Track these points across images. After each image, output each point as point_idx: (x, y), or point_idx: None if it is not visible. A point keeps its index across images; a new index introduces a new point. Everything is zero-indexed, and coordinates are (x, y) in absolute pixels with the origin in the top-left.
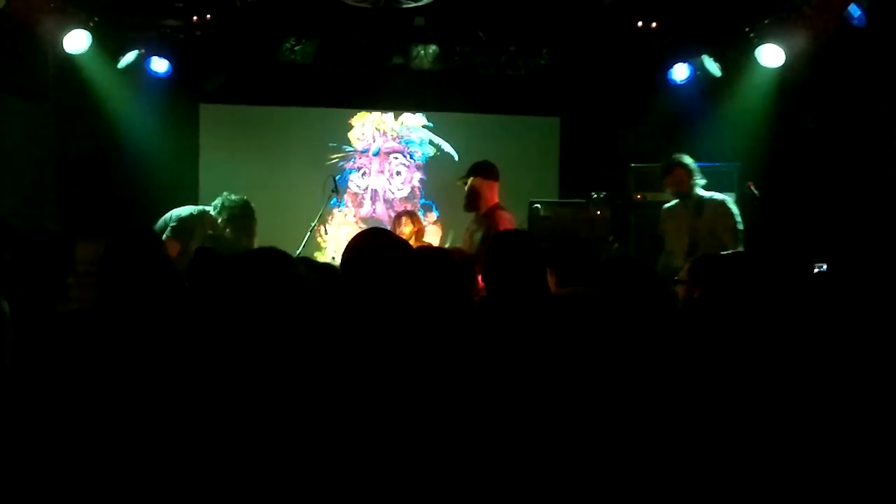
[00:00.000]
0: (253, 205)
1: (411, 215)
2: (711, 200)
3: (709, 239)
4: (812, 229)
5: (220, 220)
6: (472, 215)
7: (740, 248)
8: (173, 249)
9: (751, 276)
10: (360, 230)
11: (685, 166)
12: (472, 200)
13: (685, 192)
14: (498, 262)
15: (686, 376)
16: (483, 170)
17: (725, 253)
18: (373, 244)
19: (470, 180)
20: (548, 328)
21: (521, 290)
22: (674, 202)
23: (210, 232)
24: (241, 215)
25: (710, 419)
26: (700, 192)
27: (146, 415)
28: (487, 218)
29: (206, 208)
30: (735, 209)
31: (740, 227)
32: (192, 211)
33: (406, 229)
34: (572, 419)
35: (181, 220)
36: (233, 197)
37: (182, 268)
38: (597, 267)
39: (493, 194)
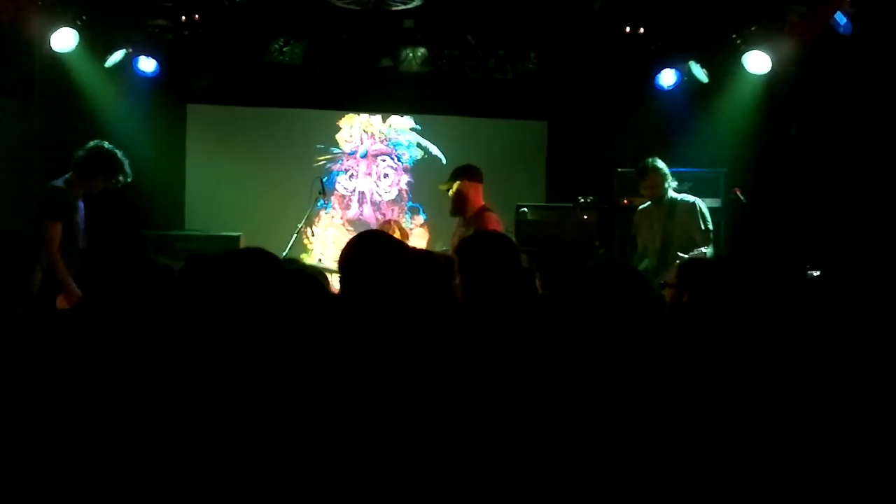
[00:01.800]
0: (107, 144)
1: (399, 227)
2: (683, 202)
3: (681, 239)
4: (797, 234)
5: (88, 178)
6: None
7: (709, 248)
8: (56, 231)
9: (738, 280)
10: (347, 232)
11: (659, 170)
12: (459, 204)
13: (659, 196)
14: (470, 266)
15: (672, 380)
16: (467, 173)
17: (713, 257)
18: (372, 246)
19: (456, 185)
20: (529, 329)
21: (498, 291)
22: (647, 204)
23: (82, 192)
24: (104, 160)
25: (695, 422)
26: (672, 194)
27: (137, 415)
28: (476, 220)
29: (66, 177)
30: (705, 210)
31: (710, 227)
32: (55, 185)
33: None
34: (556, 420)
35: (49, 202)
36: (85, 148)
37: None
38: (583, 271)
39: (478, 196)
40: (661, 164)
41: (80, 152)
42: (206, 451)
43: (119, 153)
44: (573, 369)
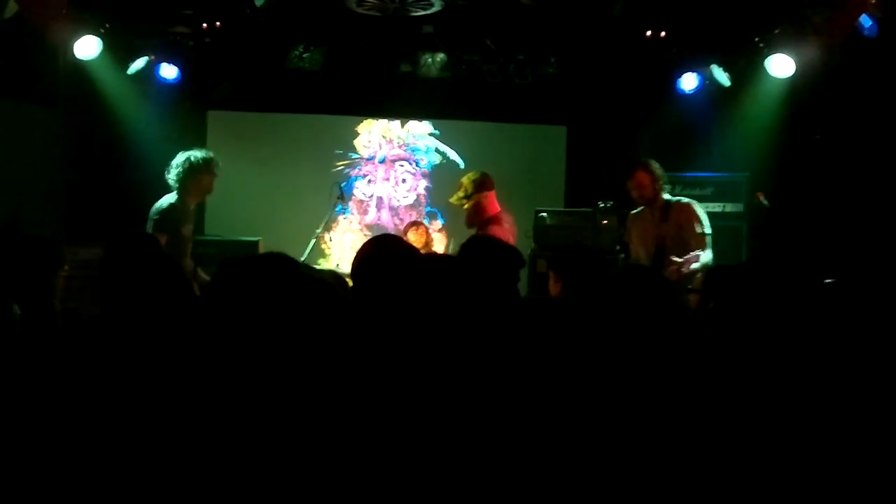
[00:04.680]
0: (210, 157)
1: (420, 227)
2: (677, 203)
3: (675, 244)
4: (822, 240)
5: (191, 185)
6: None
7: (706, 252)
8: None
9: (764, 287)
10: (365, 237)
11: (647, 170)
12: (473, 217)
13: (648, 198)
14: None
15: (694, 387)
16: (478, 185)
17: (739, 263)
18: (383, 250)
19: (471, 201)
20: (546, 334)
21: (492, 295)
22: (640, 208)
23: (194, 204)
24: (193, 171)
25: (716, 429)
26: (666, 196)
27: (158, 419)
28: (482, 230)
29: (174, 194)
30: (701, 212)
31: (707, 230)
32: (172, 200)
33: (414, 240)
34: (578, 428)
35: (162, 213)
36: (176, 163)
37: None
38: (608, 276)
39: (491, 204)
40: (652, 163)
41: (172, 168)
42: (221, 455)
43: (198, 155)
44: (595, 377)
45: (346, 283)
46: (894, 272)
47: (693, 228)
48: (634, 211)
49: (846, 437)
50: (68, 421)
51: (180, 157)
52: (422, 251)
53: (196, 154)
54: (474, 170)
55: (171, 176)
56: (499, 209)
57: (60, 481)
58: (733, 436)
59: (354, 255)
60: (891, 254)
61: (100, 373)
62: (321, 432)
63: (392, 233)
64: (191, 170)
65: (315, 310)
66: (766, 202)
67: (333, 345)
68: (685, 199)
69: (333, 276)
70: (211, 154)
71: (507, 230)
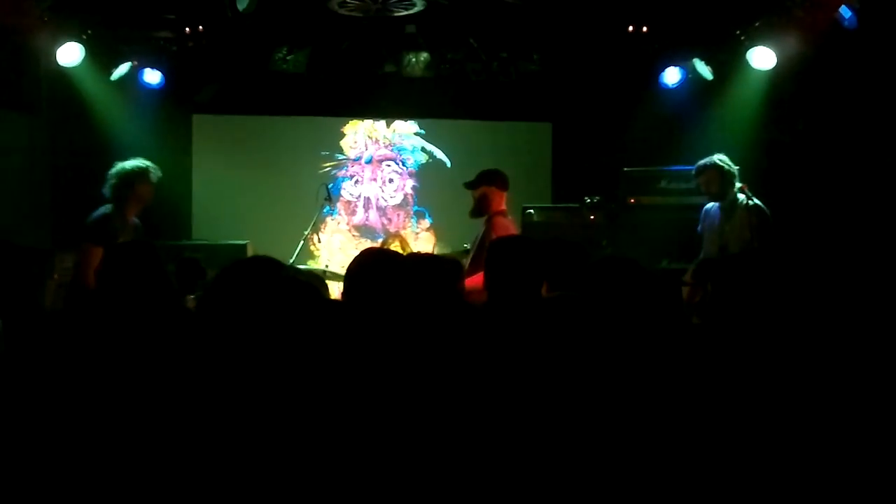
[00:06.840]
0: (146, 167)
1: (401, 239)
2: (745, 204)
3: (738, 244)
4: (806, 231)
5: (124, 201)
6: (464, 223)
7: None
8: (96, 256)
9: (752, 278)
10: (353, 238)
11: (717, 167)
12: (480, 209)
13: (716, 194)
14: (497, 267)
15: (686, 380)
16: (495, 180)
17: (727, 255)
18: (373, 261)
19: (482, 189)
20: (539, 332)
21: (520, 294)
22: (712, 203)
23: (133, 214)
24: (126, 182)
25: (710, 424)
26: (739, 195)
27: (145, 418)
28: (486, 223)
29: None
30: (767, 217)
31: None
32: (106, 212)
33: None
34: (572, 424)
35: (94, 223)
36: (106, 180)
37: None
38: (587, 268)
39: (499, 202)
40: (722, 161)
41: (107, 180)
42: (211, 456)
43: (129, 164)
44: (580, 372)
45: (326, 285)
46: (877, 260)
47: (759, 231)
48: (707, 206)
49: (840, 428)
50: (57, 426)
51: (113, 169)
52: None
53: (128, 164)
54: (461, 168)
55: (106, 188)
56: (505, 209)
57: (49, 483)
58: (726, 426)
59: (346, 267)
60: (874, 242)
61: (86, 376)
62: (308, 431)
63: (376, 233)
64: (123, 181)
65: (299, 311)
66: (750, 194)
67: (318, 345)
68: (756, 201)
69: (312, 277)
70: (145, 163)
71: (511, 223)
